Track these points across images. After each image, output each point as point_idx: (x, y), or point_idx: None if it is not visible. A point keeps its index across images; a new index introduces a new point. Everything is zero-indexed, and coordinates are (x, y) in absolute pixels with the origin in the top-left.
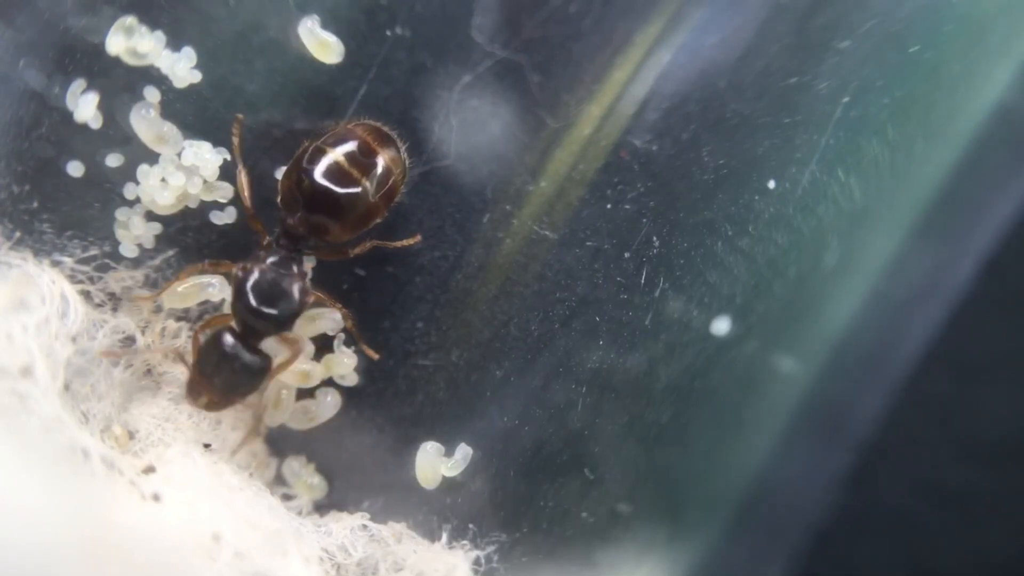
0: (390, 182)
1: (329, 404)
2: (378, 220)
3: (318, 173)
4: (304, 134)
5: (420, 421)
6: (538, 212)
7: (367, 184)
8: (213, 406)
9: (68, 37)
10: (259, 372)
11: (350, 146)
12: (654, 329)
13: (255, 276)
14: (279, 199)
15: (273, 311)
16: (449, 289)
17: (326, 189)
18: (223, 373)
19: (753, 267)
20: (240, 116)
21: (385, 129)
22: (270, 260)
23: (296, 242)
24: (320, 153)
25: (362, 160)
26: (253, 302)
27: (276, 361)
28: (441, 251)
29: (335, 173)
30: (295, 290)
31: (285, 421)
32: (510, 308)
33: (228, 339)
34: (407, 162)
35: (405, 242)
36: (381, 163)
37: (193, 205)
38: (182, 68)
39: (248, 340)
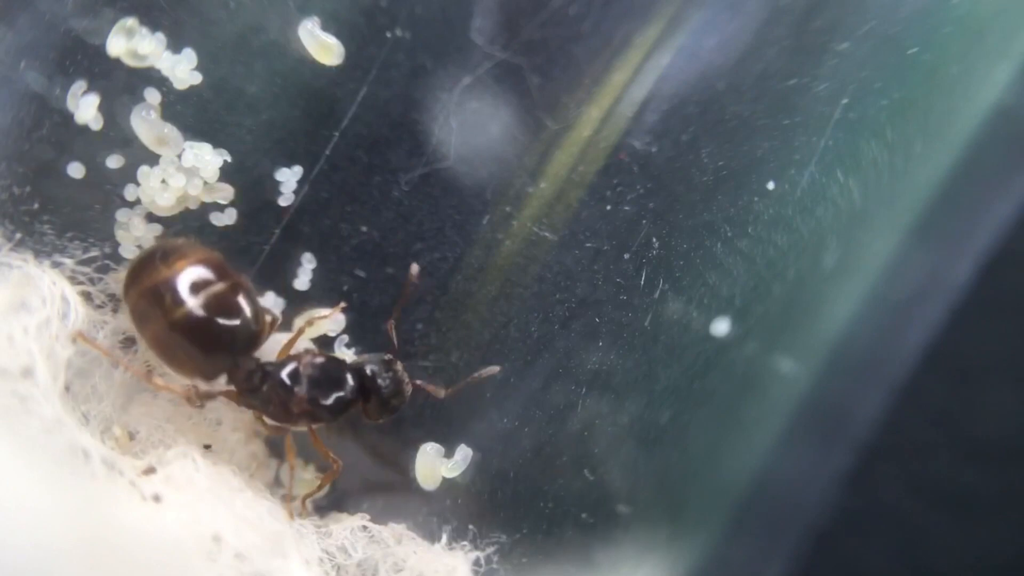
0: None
1: None
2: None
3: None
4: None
5: (420, 422)
6: (537, 214)
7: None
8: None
9: (69, 39)
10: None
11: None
12: (653, 330)
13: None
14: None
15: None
16: (449, 291)
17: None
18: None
19: (752, 268)
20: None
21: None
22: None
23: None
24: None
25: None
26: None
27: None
28: (441, 252)
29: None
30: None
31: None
32: (510, 310)
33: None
34: None
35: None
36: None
37: (193, 207)
38: (183, 70)
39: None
